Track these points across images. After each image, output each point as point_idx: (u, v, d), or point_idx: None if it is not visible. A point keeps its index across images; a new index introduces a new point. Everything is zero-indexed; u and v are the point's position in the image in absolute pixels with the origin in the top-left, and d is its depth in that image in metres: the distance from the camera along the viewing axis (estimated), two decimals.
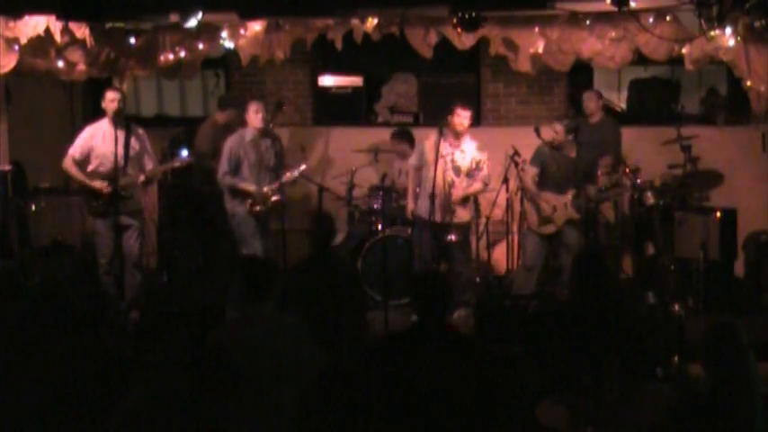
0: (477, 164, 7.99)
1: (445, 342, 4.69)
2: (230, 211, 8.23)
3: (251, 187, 8.10)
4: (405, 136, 9.32)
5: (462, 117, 7.88)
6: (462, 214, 8.10)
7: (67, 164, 8.05)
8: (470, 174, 8.01)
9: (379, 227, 8.84)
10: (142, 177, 8.12)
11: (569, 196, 8.10)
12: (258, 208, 8.08)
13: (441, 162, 7.81)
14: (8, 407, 4.39)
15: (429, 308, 4.72)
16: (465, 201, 8.09)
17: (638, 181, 8.25)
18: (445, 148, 7.91)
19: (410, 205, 8.27)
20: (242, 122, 8.41)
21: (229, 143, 8.21)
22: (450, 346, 4.68)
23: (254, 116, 8.11)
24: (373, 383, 4.44)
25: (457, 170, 7.98)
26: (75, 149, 8.04)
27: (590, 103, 9.08)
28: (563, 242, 8.17)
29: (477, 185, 8.05)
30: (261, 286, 5.13)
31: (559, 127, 8.08)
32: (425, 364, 4.58)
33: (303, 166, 8.30)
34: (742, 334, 4.18)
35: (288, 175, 8.14)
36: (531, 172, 8.25)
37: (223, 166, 8.18)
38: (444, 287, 4.86)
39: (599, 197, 8.22)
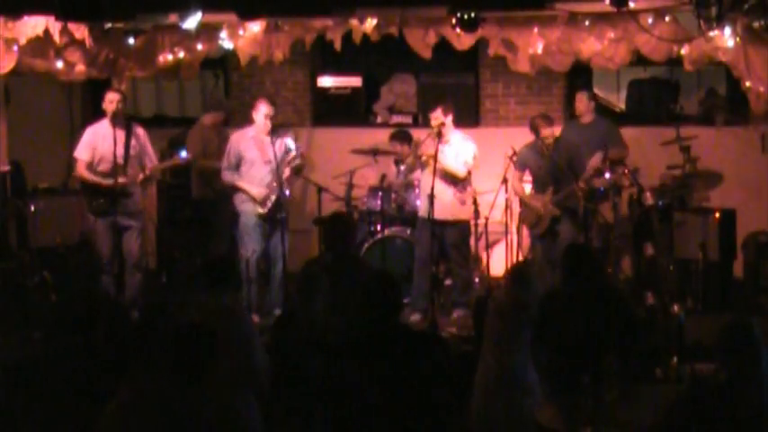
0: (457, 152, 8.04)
1: (393, 343, 4.64)
2: (236, 209, 8.22)
3: (249, 187, 8.08)
4: (404, 137, 9.32)
5: (432, 118, 7.97)
6: (458, 211, 8.11)
7: (81, 170, 8.01)
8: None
9: (378, 227, 8.85)
10: (142, 176, 8.12)
11: (549, 194, 8.14)
12: (261, 210, 8.07)
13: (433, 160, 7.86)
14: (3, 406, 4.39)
15: (376, 309, 4.64)
16: (461, 186, 8.06)
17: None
18: (426, 146, 8.00)
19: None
20: (229, 122, 8.38)
21: (231, 139, 8.21)
22: (398, 347, 4.63)
23: (257, 114, 8.06)
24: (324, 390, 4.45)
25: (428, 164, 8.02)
26: (84, 153, 8.01)
27: (579, 104, 9.06)
28: (556, 239, 8.20)
29: (456, 165, 8.02)
30: (221, 282, 5.27)
31: (547, 131, 8.13)
32: (372, 366, 4.53)
33: (292, 144, 8.22)
34: (757, 332, 4.19)
35: (286, 173, 8.13)
36: (517, 175, 8.36)
37: (224, 162, 8.18)
38: (389, 289, 4.77)
39: (592, 194, 8.25)
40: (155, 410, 3.91)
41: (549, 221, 8.18)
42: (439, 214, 7.97)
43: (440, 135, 7.91)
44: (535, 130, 8.16)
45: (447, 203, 8.03)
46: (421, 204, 8.14)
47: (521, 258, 8.63)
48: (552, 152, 8.14)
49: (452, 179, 8.03)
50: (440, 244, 8.15)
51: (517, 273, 6.02)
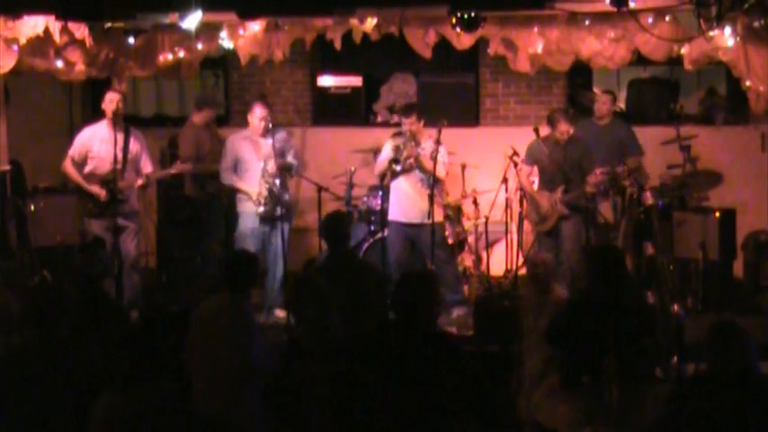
0: (432, 154, 8.00)
1: (415, 341, 4.67)
2: (237, 210, 8.29)
3: (246, 187, 8.15)
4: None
5: (407, 123, 8.03)
6: (434, 213, 8.13)
7: (66, 166, 8.06)
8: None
9: (379, 227, 8.84)
10: (140, 182, 8.15)
11: (559, 193, 8.12)
12: (260, 209, 8.09)
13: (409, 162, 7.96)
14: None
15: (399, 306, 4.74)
16: (438, 189, 8.06)
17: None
18: (410, 148, 8.03)
19: None
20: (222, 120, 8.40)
21: (228, 142, 8.29)
22: (420, 345, 4.66)
23: (252, 116, 8.13)
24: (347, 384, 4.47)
25: (420, 165, 8.06)
26: (74, 151, 8.06)
27: (603, 106, 8.92)
28: (561, 237, 8.19)
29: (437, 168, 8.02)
30: (241, 279, 5.28)
31: (565, 126, 8.08)
32: (396, 363, 4.57)
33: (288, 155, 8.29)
34: (742, 330, 4.21)
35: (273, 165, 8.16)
36: (526, 171, 8.31)
37: (223, 163, 8.26)
38: (415, 286, 4.83)
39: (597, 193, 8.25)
40: (145, 413, 3.90)
41: (557, 219, 8.16)
42: (415, 218, 8.02)
43: (415, 140, 7.99)
44: (552, 123, 8.13)
45: (423, 207, 7.98)
46: (391, 207, 8.20)
47: (521, 257, 8.63)
48: (567, 148, 8.12)
49: (429, 182, 8.03)
50: (413, 246, 8.17)
51: (533, 276, 6.06)
